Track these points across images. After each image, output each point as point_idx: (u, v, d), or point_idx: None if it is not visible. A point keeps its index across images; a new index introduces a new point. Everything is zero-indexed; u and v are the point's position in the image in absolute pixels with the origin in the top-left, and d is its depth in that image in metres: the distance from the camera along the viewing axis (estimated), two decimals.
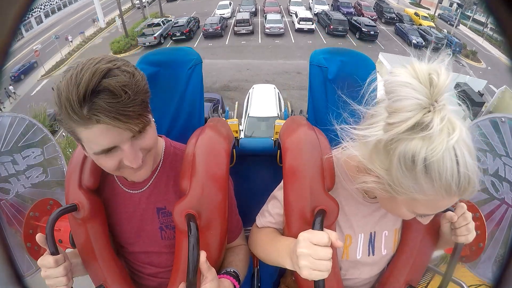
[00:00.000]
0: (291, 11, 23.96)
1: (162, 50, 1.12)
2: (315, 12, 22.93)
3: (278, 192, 0.87)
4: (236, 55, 16.75)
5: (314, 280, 0.64)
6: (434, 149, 0.54)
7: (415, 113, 0.55)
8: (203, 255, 0.71)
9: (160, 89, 1.07)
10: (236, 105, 10.91)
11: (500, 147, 1.18)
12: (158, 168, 0.88)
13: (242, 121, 8.58)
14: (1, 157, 1.24)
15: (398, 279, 0.85)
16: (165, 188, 0.88)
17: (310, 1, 25.12)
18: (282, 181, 0.85)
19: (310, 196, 0.76)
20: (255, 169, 1.39)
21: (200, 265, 0.70)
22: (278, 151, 1.00)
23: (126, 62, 0.70)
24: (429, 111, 0.55)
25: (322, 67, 1.08)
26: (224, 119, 1.23)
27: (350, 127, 0.70)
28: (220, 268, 0.89)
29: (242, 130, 8.02)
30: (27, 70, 16.84)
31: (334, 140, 0.77)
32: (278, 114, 8.66)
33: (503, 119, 1.18)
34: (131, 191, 0.88)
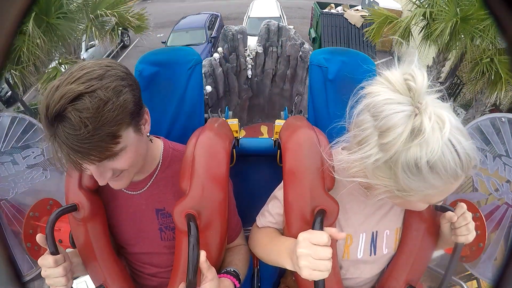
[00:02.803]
0: None
1: (162, 50, 1.13)
2: None
3: (279, 192, 0.87)
4: None
5: (314, 280, 0.64)
6: (432, 150, 0.56)
7: (406, 124, 0.57)
8: (203, 254, 0.71)
9: (160, 89, 1.07)
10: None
11: (500, 147, 1.18)
12: (157, 170, 0.88)
13: (243, 24, 8.35)
14: (1, 157, 1.25)
15: (398, 279, 0.85)
16: (164, 189, 0.88)
17: None
18: (282, 181, 0.85)
19: (310, 196, 0.76)
20: (255, 169, 1.39)
21: (200, 264, 0.70)
22: (278, 151, 1.00)
23: (111, 82, 0.65)
24: (416, 115, 0.57)
25: (322, 67, 1.08)
26: (224, 119, 1.23)
27: (344, 154, 0.70)
28: (220, 268, 0.89)
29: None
30: None
31: (334, 140, 0.77)
32: (280, 15, 8.38)
33: (503, 119, 1.18)
34: (130, 192, 0.88)
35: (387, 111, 0.58)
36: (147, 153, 0.82)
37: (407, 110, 0.57)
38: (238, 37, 7.22)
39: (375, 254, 0.85)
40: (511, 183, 1.16)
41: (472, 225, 0.78)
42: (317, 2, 10.47)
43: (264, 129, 7.52)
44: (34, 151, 1.29)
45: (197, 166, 0.81)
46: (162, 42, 9.52)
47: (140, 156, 0.77)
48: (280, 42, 7.27)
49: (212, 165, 0.82)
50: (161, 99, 1.08)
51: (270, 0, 10.15)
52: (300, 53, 7.19)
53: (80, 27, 5.87)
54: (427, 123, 0.56)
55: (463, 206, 0.78)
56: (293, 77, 7.42)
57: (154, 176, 0.88)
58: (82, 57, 6.70)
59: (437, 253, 0.98)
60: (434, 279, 1.05)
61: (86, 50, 7.47)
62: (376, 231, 0.84)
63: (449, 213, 0.78)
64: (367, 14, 7.86)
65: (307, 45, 7.24)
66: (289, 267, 0.72)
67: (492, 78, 5.30)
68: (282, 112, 1.53)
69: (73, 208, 0.82)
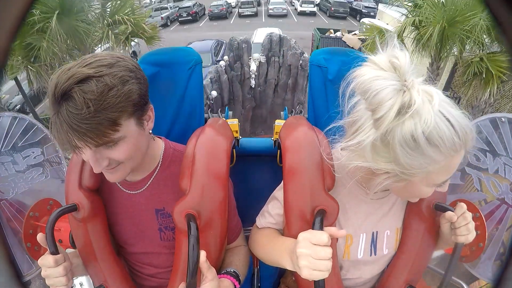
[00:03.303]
0: (293, 1, 24.90)
1: (162, 50, 1.13)
2: (317, 2, 23.71)
3: (278, 192, 0.87)
4: (241, 29, 17.06)
5: (314, 280, 0.64)
6: (426, 120, 0.57)
7: (395, 98, 0.58)
8: (203, 254, 0.71)
9: (160, 89, 1.07)
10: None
11: (500, 147, 1.18)
12: (157, 170, 0.88)
13: None
14: (1, 157, 1.25)
15: (398, 279, 0.85)
16: (164, 189, 0.88)
17: None
18: (282, 182, 0.85)
19: (310, 196, 0.76)
20: (255, 169, 1.39)
21: (200, 264, 0.70)
22: (278, 151, 1.00)
23: (118, 71, 0.68)
24: (404, 91, 0.59)
25: (322, 67, 1.08)
26: (224, 119, 1.23)
27: (340, 141, 0.72)
28: (220, 269, 0.88)
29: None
30: None
31: (334, 140, 0.77)
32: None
33: (503, 119, 1.18)
34: (130, 192, 0.88)
35: (375, 86, 0.60)
36: (147, 151, 0.82)
37: (395, 84, 0.59)
38: (243, 46, 7.82)
39: (375, 254, 0.85)
40: (511, 183, 1.16)
41: (472, 225, 0.78)
42: (317, 28, 11.02)
43: None
44: (34, 151, 1.29)
45: (197, 166, 0.81)
46: None
47: (139, 151, 0.78)
48: (281, 52, 7.71)
49: (212, 165, 0.82)
50: (161, 99, 1.08)
51: (273, 28, 10.52)
52: (301, 61, 7.58)
53: (97, 33, 6.10)
54: (416, 96, 0.58)
55: (463, 206, 0.78)
56: (294, 86, 7.80)
57: (154, 175, 0.88)
58: None
59: (437, 253, 0.98)
60: (434, 279, 1.05)
61: None
62: (377, 231, 0.84)
63: (449, 213, 0.78)
64: (364, 37, 8.14)
65: (306, 55, 7.71)
66: (289, 267, 0.72)
67: (484, 76, 5.42)
68: (282, 112, 1.53)
69: (73, 208, 0.82)
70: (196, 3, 22.29)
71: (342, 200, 0.79)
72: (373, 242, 0.84)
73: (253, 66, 7.89)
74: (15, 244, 1.16)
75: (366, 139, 0.63)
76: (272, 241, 0.83)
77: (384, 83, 0.59)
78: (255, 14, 21.60)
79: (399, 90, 0.59)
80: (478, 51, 5.62)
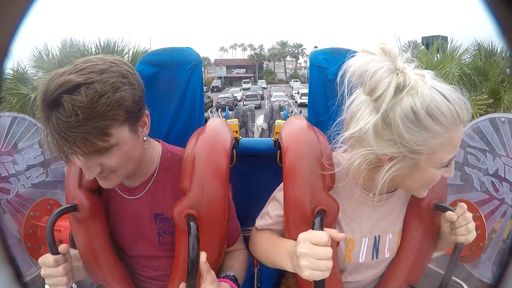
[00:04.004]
0: (293, 94, 27.77)
1: (162, 51, 1.12)
2: None
3: (278, 193, 0.87)
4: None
5: (315, 281, 0.64)
6: (422, 94, 0.61)
7: (391, 77, 0.62)
8: (203, 255, 0.71)
9: (160, 89, 1.07)
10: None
11: (500, 147, 1.18)
12: (155, 175, 0.88)
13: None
14: (1, 157, 1.25)
15: (398, 279, 0.85)
16: (162, 194, 0.88)
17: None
18: (282, 183, 0.84)
19: (310, 196, 0.76)
20: (255, 169, 1.39)
21: (200, 265, 0.70)
22: (278, 151, 1.00)
23: (109, 77, 0.66)
24: (397, 74, 0.62)
25: (322, 67, 1.08)
26: (224, 119, 1.23)
27: (342, 134, 0.73)
28: (219, 271, 0.89)
29: None
30: None
31: (334, 140, 0.77)
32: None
33: (502, 119, 1.18)
34: (128, 197, 0.88)
35: (370, 68, 0.62)
36: (144, 155, 0.82)
37: (388, 64, 0.62)
38: (248, 114, 8.74)
39: (377, 258, 0.84)
40: (511, 183, 1.16)
41: (472, 225, 0.78)
42: None
43: None
44: (34, 151, 1.29)
45: (197, 166, 0.81)
46: None
47: (132, 159, 0.77)
48: None
49: (212, 165, 0.82)
50: (161, 99, 1.08)
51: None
52: None
53: None
54: (410, 75, 0.62)
55: (463, 206, 0.78)
56: None
57: (152, 180, 0.87)
58: None
59: (437, 253, 0.98)
60: (434, 279, 1.05)
61: None
62: (379, 235, 0.84)
63: (449, 213, 0.78)
64: None
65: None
66: (289, 268, 0.72)
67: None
68: (282, 113, 1.53)
69: (73, 208, 0.82)
70: (205, 95, 24.34)
71: (344, 204, 0.79)
72: (375, 246, 0.84)
73: (256, 134, 8.81)
74: (15, 244, 1.16)
75: (368, 124, 0.65)
76: (272, 243, 0.83)
77: (378, 64, 0.62)
78: (259, 107, 23.77)
79: (393, 71, 0.62)
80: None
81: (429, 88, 0.62)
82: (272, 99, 24.18)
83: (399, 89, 0.62)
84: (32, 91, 5.38)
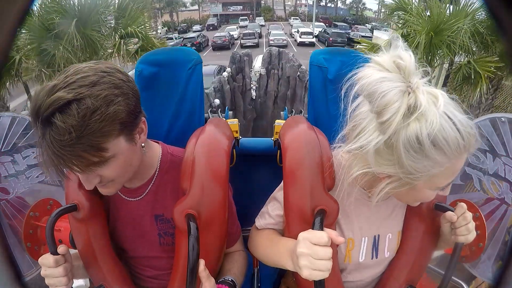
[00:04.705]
0: (293, 33, 26.73)
1: (162, 50, 1.13)
2: (316, 34, 25.28)
3: (278, 193, 0.87)
4: None
5: (314, 280, 0.64)
6: (431, 123, 0.56)
7: (401, 100, 0.58)
8: (202, 263, 0.71)
9: (160, 89, 1.07)
10: None
11: (500, 147, 1.18)
12: (155, 176, 0.88)
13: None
14: (1, 157, 1.24)
15: (398, 279, 0.85)
16: (162, 195, 0.88)
17: (310, 25, 28.19)
18: (282, 182, 0.84)
19: (310, 196, 0.76)
20: (255, 169, 1.39)
21: (199, 273, 0.70)
22: (278, 151, 1.00)
23: (101, 90, 0.64)
24: (410, 93, 0.58)
25: (322, 67, 1.08)
26: (224, 119, 1.23)
27: (342, 145, 0.71)
28: (218, 273, 0.89)
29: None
30: None
31: (334, 140, 0.77)
32: None
33: (502, 119, 1.18)
34: (129, 199, 0.88)
35: (381, 89, 0.58)
36: (142, 162, 0.81)
37: (400, 85, 0.58)
38: (245, 59, 8.13)
39: (377, 257, 0.84)
40: (511, 183, 1.16)
41: (472, 225, 0.78)
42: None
43: None
44: (34, 151, 1.29)
45: (197, 166, 0.81)
46: None
47: (131, 167, 0.77)
48: (280, 65, 8.03)
49: (212, 165, 0.82)
50: (161, 99, 1.08)
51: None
52: (298, 73, 7.89)
53: (109, 44, 6.28)
54: (422, 98, 0.57)
55: (463, 206, 0.78)
56: (293, 97, 8.09)
57: (152, 182, 0.87)
58: None
59: (437, 253, 0.98)
60: (434, 279, 1.05)
61: None
62: (378, 235, 0.84)
63: (449, 213, 0.78)
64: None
65: (304, 66, 8.05)
66: (289, 267, 0.72)
67: (473, 78, 5.58)
68: (282, 113, 1.53)
69: (73, 208, 0.82)
70: (200, 34, 24.01)
71: (343, 204, 0.79)
72: (375, 246, 0.84)
73: (254, 79, 8.32)
74: (15, 244, 1.16)
75: (370, 143, 0.62)
76: (272, 242, 0.83)
77: (390, 85, 0.58)
78: (257, 45, 22.73)
79: (404, 92, 0.58)
80: (464, 57, 5.83)
81: (440, 114, 0.57)
82: (270, 38, 23.25)
83: (408, 112, 0.57)
84: (16, 52, 5.26)
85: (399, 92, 0.58)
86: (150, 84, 1.05)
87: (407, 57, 0.60)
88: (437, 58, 6.06)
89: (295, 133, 0.87)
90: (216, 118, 1.11)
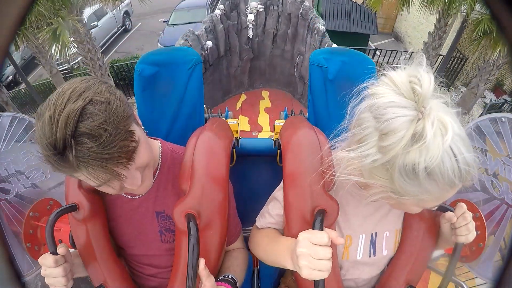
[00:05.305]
0: None
1: (162, 50, 1.12)
2: None
3: (278, 192, 0.87)
4: None
5: (314, 280, 0.64)
6: (432, 156, 0.54)
7: (407, 129, 0.55)
8: (202, 262, 0.71)
9: (160, 89, 1.07)
10: None
11: (500, 147, 1.18)
12: (156, 173, 0.88)
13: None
14: (1, 157, 1.25)
15: (398, 279, 0.85)
16: (163, 192, 0.88)
17: None
18: (282, 182, 0.85)
19: (310, 196, 0.76)
20: (255, 169, 1.39)
21: (200, 272, 0.70)
22: (278, 151, 1.00)
23: (98, 87, 0.63)
24: (419, 119, 0.55)
25: (322, 67, 1.08)
26: (224, 119, 1.23)
27: (342, 151, 0.70)
28: (219, 271, 0.89)
29: None
30: None
31: (334, 140, 0.77)
32: None
33: (503, 119, 1.18)
34: (130, 197, 0.88)
35: (389, 114, 0.57)
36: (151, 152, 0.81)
37: (410, 115, 0.56)
38: None
39: (374, 255, 0.85)
40: (511, 183, 1.16)
41: (472, 225, 0.78)
42: None
43: (265, 93, 7.47)
44: (34, 151, 1.29)
45: (197, 166, 0.81)
46: (164, 21, 9.50)
47: (152, 152, 0.78)
48: (281, 1, 7.02)
49: (212, 165, 0.82)
50: (161, 99, 1.08)
51: None
52: (301, 10, 6.82)
53: None
54: (429, 128, 0.54)
55: (463, 206, 0.78)
56: (294, 36, 7.13)
57: (154, 179, 0.87)
58: (85, 20, 6.73)
59: (437, 253, 0.98)
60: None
61: (90, 30, 7.25)
62: (376, 233, 0.84)
63: (449, 213, 0.78)
64: None
65: (307, 3, 6.96)
66: (289, 266, 0.72)
67: (494, 35, 5.25)
68: (282, 113, 1.53)
69: (73, 208, 0.82)
70: None
71: (341, 201, 0.79)
72: (372, 243, 0.84)
73: (250, 16, 7.10)
74: (15, 244, 1.16)
75: (367, 158, 0.62)
76: (273, 241, 0.83)
77: (400, 112, 0.56)
78: None
79: (413, 120, 0.55)
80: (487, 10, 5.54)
81: (444, 149, 0.54)
82: None
83: (412, 140, 0.55)
84: None
85: (407, 121, 0.55)
86: (150, 84, 1.06)
87: (426, 81, 0.57)
88: (456, 4, 5.63)
89: (295, 133, 0.87)
90: (216, 118, 1.12)
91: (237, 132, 1.30)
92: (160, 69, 1.05)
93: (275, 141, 1.28)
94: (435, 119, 0.55)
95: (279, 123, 1.34)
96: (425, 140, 0.54)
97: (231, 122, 1.31)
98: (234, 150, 1.06)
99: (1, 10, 0.38)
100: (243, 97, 7.36)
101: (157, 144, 0.91)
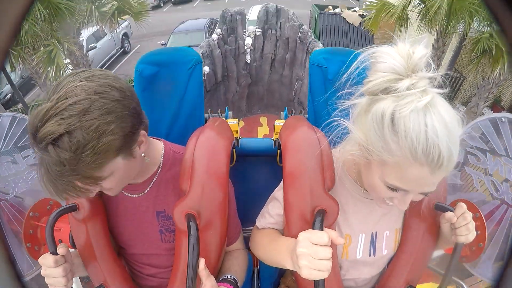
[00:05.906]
0: None
1: (162, 50, 1.13)
2: None
3: (278, 192, 0.87)
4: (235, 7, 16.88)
5: (314, 280, 0.64)
6: (402, 105, 0.57)
7: (390, 75, 0.60)
8: (202, 262, 0.71)
9: (160, 89, 1.07)
10: None
11: (500, 147, 1.18)
12: (158, 173, 0.88)
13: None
14: (1, 157, 1.25)
15: (398, 279, 0.85)
16: (164, 191, 0.88)
17: None
18: (282, 181, 0.85)
19: (310, 196, 0.76)
20: (255, 169, 1.39)
21: (199, 272, 0.70)
22: (278, 151, 1.00)
23: (92, 120, 0.61)
24: (402, 79, 0.59)
25: (322, 67, 1.08)
26: (224, 119, 1.23)
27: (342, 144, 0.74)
28: (219, 272, 0.89)
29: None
30: None
31: (334, 140, 0.77)
32: None
33: (503, 119, 1.18)
34: (131, 195, 0.88)
35: (381, 58, 0.62)
36: (141, 168, 0.81)
37: (396, 65, 0.60)
38: (237, 18, 6.97)
39: (374, 255, 0.85)
40: (511, 183, 1.16)
41: (472, 225, 0.78)
42: (315, 5, 10.62)
43: (263, 120, 7.38)
44: (34, 151, 1.29)
45: (197, 166, 0.81)
46: (162, 44, 9.57)
47: (130, 176, 0.77)
48: (279, 24, 7.01)
49: (212, 165, 0.82)
50: (161, 99, 1.08)
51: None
52: (299, 34, 6.88)
53: (82, 11, 5.93)
54: (407, 85, 0.58)
55: (463, 206, 0.78)
56: (293, 61, 7.18)
57: (155, 178, 0.87)
58: (83, 42, 6.74)
59: (437, 253, 0.98)
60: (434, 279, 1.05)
61: (87, 51, 7.38)
62: (376, 232, 0.84)
63: (448, 213, 0.78)
64: (364, 14, 7.75)
65: (305, 27, 6.99)
66: (289, 266, 0.72)
67: (494, 53, 5.28)
68: (282, 112, 1.53)
69: (73, 208, 0.82)
70: None
71: (341, 200, 0.79)
72: (372, 243, 0.84)
73: (248, 40, 7.08)
74: (15, 244, 1.16)
75: (357, 107, 0.68)
76: (273, 241, 0.83)
77: (389, 59, 0.61)
78: None
79: (398, 73, 0.59)
80: (486, 28, 5.45)
81: (417, 108, 0.56)
82: None
83: (392, 88, 0.59)
84: None
85: (391, 68, 0.60)
86: (150, 84, 1.06)
87: (421, 52, 0.60)
88: (454, 23, 5.63)
89: (295, 133, 0.87)
90: (216, 118, 1.12)
91: (237, 132, 1.30)
92: (160, 69, 1.05)
93: (275, 141, 1.28)
94: (420, 85, 0.58)
95: (279, 123, 1.34)
96: (402, 94, 0.58)
97: (231, 122, 1.31)
98: (234, 150, 1.06)
99: (2, 10, 0.38)
100: (241, 123, 7.31)
101: (159, 145, 0.91)
